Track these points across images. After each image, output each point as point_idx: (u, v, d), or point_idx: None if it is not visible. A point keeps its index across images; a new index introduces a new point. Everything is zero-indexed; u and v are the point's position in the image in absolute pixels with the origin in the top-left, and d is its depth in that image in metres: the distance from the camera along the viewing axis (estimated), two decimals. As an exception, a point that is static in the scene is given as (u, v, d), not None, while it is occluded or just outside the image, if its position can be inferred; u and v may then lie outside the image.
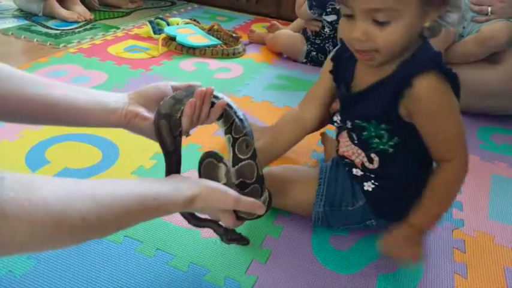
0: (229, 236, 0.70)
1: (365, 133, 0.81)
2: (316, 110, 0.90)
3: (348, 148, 0.87)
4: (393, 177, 0.84)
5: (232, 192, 0.63)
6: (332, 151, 1.05)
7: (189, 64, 1.71)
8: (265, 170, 0.81)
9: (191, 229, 0.87)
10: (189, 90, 0.67)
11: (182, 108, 0.65)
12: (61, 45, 1.74)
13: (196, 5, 2.56)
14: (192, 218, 0.70)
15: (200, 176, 0.71)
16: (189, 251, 0.82)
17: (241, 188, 0.68)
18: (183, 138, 0.68)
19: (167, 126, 0.64)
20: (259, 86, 1.58)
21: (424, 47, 0.74)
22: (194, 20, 2.06)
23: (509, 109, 1.47)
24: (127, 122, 0.66)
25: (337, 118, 0.89)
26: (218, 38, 1.91)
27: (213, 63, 1.73)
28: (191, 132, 0.70)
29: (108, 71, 1.56)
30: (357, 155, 0.86)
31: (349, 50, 0.76)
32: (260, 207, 0.66)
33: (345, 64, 0.83)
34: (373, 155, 0.83)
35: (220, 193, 0.62)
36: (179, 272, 0.78)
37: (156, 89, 0.69)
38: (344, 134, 0.88)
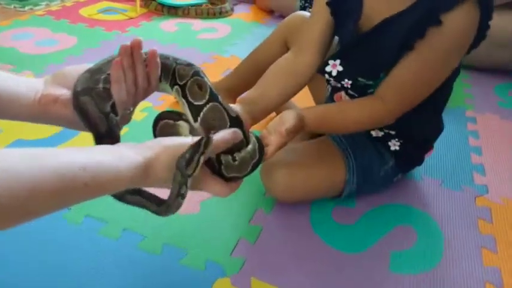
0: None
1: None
2: (313, 55, 0.72)
3: None
4: (411, 128, 0.74)
5: (194, 138, 0.46)
6: (321, 97, 0.91)
7: (170, 25, 1.53)
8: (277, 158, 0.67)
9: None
10: (106, 59, 0.51)
11: (105, 76, 0.48)
12: (27, 8, 1.56)
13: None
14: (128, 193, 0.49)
15: None
16: (162, 230, 0.68)
17: None
18: (128, 118, 0.52)
19: (91, 102, 0.47)
20: (249, 45, 1.39)
21: None
22: (177, -21, 1.87)
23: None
24: (43, 110, 0.48)
25: (333, 71, 0.71)
26: (203, -3, 1.73)
27: (197, 24, 1.56)
28: (135, 109, 0.53)
29: (78, 34, 1.39)
30: None
31: None
32: (238, 133, 0.50)
33: None
34: None
35: (185, 144, 0.45)
36: (151, 256, 0.64)
37: (78, 69, 0.51)
38: (343, 95, 0.75)
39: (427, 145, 0.79)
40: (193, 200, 0.74)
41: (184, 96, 0.52)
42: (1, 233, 0.63)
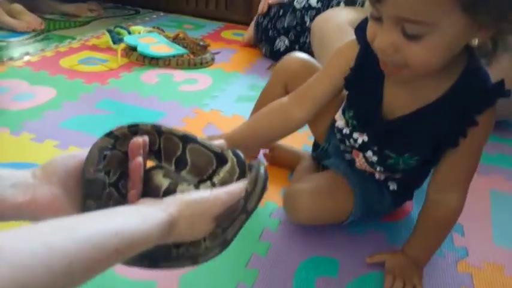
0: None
1: (390, 161, 0.74)
2: (309, 112, 0.78)
3: (366, 168, 0.80)
4: (415, 181, 0.84)
5: (215, 191, 0.47)
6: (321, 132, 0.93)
7: (151, 76, 1.54)
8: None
9: (143, 280, 0.70)
10: (94, 153, 0.48)
11: (110, 190, 0.48)
12: (5, 59, 1.55)
13: (162, 13, 2.40)
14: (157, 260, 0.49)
15: None
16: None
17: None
18: None
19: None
20: (229, 98, 1.43)
21: (477, 67, 0.63)
22: (158, 28, 1.90)
23: (504, 114, 1.34)
24: (32, 214, 0.45)
25: (359, 139, 0.76)
26: (184, 47, 1.75)
27: (178, 75, 1.57)
28: None
29: (57, 86, 1.38)
30: (376, 172, 0.80)
31: (375, 60, 0.64)
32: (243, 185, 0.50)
33: (369, 78, 0.71)
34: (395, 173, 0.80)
35: (205, 200, 0.45)
36: None
37: (67, 161, 0.48)
38: (360, 155, 0.78)
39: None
40: (172, 274, 0.72)
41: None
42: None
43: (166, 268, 0.50)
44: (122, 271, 0.71)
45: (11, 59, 1.56)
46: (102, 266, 0.36)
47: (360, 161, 0.80)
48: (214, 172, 0.51)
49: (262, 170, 0.49)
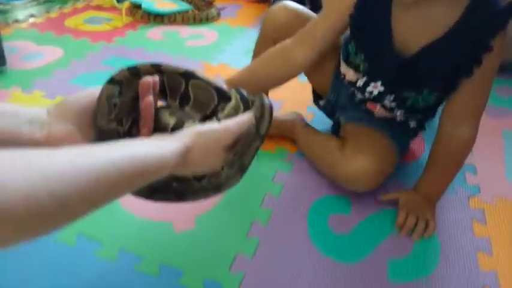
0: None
1: (409, 102, 0.75)
2: (311, 53, 0.74)
3: (386, 114, 0.80)
4: (431, 114, 0.83)
5: (224, 122, 0.48)
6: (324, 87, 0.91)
7: (157, 33, 1.52)
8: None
9: (161, 221, 0.73)
10: (104, 95, 0.47)
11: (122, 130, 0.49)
12: (10, 21, 1.54)
13: (164, -29, 2.34)
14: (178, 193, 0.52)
15: None
16: (158, 250, 0.68)
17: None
18: None
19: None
20: (237, 51, 1.41)
21: None
22: (161, -15, 1.85)
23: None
24: (48, 146, 0.45)
25: (374, 91, 0.75)
26: (189, 3, 1.71)
27: (184, 30, 1.55)
28: None
29: (64, 45, 1.37)
30: (396, 116, 0.80)
31: None
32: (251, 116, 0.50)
33: (374, 9, 0.69)
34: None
35: (216, 130, 0.47)
36: (148, 277, 0.64)
37: (80, 100, 0.48)
38: (377, 106, 0.78)
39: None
40: (189, 215, 0.74)
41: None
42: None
43: (191, 200, 0.52)
44: (140, 212, 0.73)
45: (17, 21, 1.54)
46: (123, 189, 0.37)
47: (378, 111, 0.79)
48: (217, 108, 0.52)
49: (266, 100, 0.49)
